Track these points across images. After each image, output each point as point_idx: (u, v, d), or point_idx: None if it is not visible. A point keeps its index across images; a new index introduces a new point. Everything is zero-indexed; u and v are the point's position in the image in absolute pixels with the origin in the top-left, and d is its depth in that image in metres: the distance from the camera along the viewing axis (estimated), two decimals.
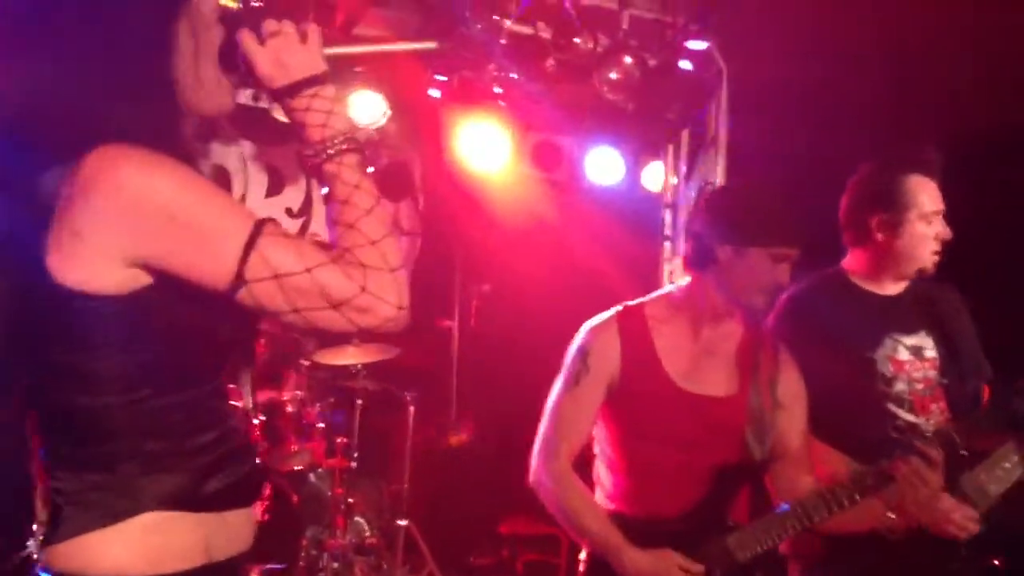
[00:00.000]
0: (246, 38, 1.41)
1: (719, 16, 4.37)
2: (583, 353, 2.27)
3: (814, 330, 2.43)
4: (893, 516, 2.16)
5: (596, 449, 2.39)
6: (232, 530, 1.45)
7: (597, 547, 2.20)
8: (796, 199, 2.63)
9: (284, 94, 1.41)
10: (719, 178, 4.76)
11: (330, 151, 1.39)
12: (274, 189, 5.93)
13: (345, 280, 1.31)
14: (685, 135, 5.04)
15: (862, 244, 2.55)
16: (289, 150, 5.93)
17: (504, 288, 5.93)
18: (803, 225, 2.21)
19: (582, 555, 2.33)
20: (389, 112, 4.86)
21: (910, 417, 2.41)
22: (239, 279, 1.28)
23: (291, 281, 1.29)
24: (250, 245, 1.28)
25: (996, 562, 4.64)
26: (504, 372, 5.48)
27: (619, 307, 2.34)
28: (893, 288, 2.54)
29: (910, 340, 2.46)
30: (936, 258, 2.48)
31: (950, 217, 2.49)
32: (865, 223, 2.51)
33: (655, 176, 5.26)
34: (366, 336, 1.31)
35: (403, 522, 5.02)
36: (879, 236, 2.49)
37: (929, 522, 2.19)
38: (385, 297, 1.32)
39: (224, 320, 1.37)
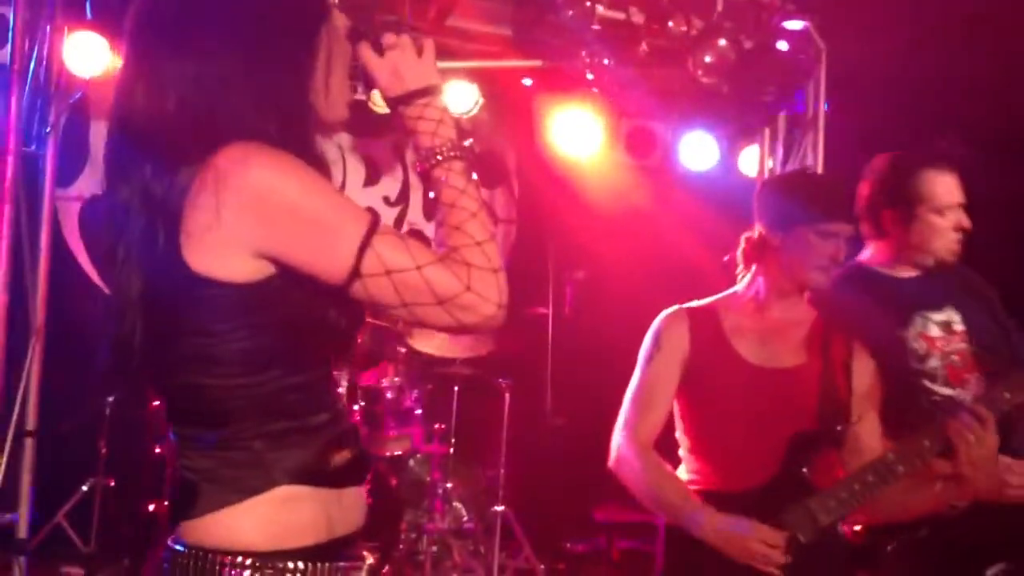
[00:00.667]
0: (366, 51, 1.52)
1: None
2: (656, 337, 2.38)
3: (842, 319, 2.46)
4: (954, 494, 2.15)
5: (678, 436, 2.43)
6: (348, 508, 1.51)
7: (674, 514, 2.24)
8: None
9: (399, 103, 1.52)
10: (818, 160, 4.65)
11: (439, 157, 1.48)
12: (372, 179, 6.05)
13: (452, 278, 1.38)
14: (782, 118, 4.94)
15: (879, 237, 2.63)
16: (386, 141, 6.04)
17: (598, 275, 5.92)
18: (846, 201, 2.35)
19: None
20: (482, 101, 4.91)
21: (946, 390, 2.46)
22: (355, 274, 1.36)
23: (402, 277, 1.37)
24: (366, 242, 1.36)
25: None
26: (598, 359, 5.47)
27: (691, 303, 2.45)
28: (909, 273, 2.60)
29: (938, 316, 2.53)
30: (955, 248, 2.54)
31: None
32: (878, 217, 2.60)
33: (751, 160, 5.17)
34: (466, 332, 1.35)
35: (500, 508, 5.07)
36: (893, 230, 2.58)
37: (989, 488, 2.14)
38: (488, 296, 1.39)
39: (338, 311, 1.44)
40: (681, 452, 2.43)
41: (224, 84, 1.39)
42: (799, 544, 2.13)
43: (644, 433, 2.32)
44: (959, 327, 2.52)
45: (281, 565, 1.41)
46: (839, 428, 2.25)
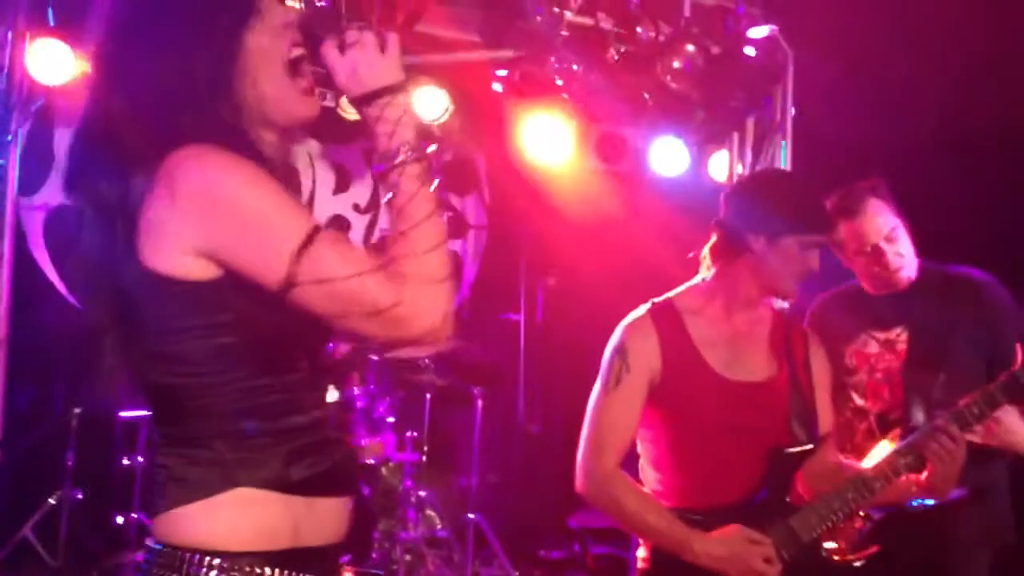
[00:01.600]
0: (328, 49, 1.47)
1: (782, 0, 4.30)
2: (622, 352, 2.25)
3: (820, 331, 2.62)
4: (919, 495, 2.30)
5: (640, 450, 2.35)
6: (322, 518, 1.49)
7: (662, 542, 2.19)
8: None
9: (360, 102, 1.47)
10: (787, 166, 4.68)
11: (394, 160, 1.43)
12: (341, 186, 6.02)
13: (383, 290, 1.34)
14: (750, 123, 4.97)
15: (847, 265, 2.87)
16: (355, 147, 6.01)
17: (570, 281, 5.92)
18: (828, 211, 2.38)
19: (640, 552, 2.30)
20: (452, 107, 4.89)
21: (860, 402, 2.71)
22: (290, 281, 1.33)
23: (334, 286, 1.33)
24: (303, 248, 1.32)
25: None
26: (571, 365, 5.47)
27: (649, 303, 2.34)
28: (888, 291, 2.77)
29: (883, 335, 2.74)
30: (887, 278, 2.71)
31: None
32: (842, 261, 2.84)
33: (721, 166, 5.19)
34: (403, 345, 1.31)
35: (473, 515, 5.05)
36: (847, 264, 2.82)
37: (949, 491, 2.30)
38: (422, 309, 1.35)
39: (291, 315, 1.40)
40: (643, 463, 2.35)
41: (159, 80, 1.39)
42: (784, 561, 2.14)
43: (611, 457, 2.22)
44: (901, 346, 2.71)
45: (248, 568, 1.40)
46: (808, 446, 2.25)
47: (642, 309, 2.33)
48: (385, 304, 1.34)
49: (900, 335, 2.72)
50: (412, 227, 1.39)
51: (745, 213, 2.27)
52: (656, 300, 2.35)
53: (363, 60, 1.45)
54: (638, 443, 2.34)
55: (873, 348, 2.74)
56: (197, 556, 1.39)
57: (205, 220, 1.33)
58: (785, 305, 2.78)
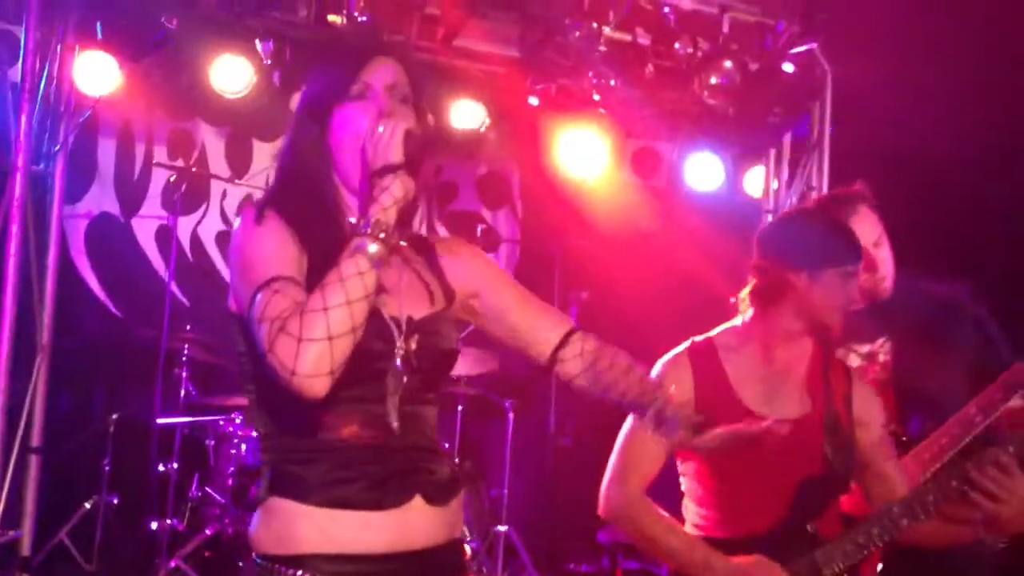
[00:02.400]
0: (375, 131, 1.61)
1: (823, 17, 4.28)
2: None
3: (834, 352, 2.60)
4: (986, 533, 2.15)
5: (683, 486, 2.38)
6: (358, 528, 1.55)
7: (685, 564, 2.19)
8: (901, 203, 2.69)
9: (376, 174, 1.57)
10: (823, 183, 4.66)
11: (368, 230, 1.50)
12: None
13: (265, 338, 1.45)
14: (787, 139, 4.95)
15: None
16: None
17: (603, 296, 5.91)
18: (859, 241, 2.35)
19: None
20: (488, 120, 4.92)
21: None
22: (243, 317, 1.55)
23: (252, 326, 1.50)
24: (256, 292, 1.50)
25: None
26: None
27: (688, 342, 2.37)
28: (868, 302, 2.67)
29: (864, 348, 2.66)
30: (876, 285, 2.63)
31: None
32: None
33: (756, 181, 5.18)
34: (298, 393, 1.39)
35: (503, 528, 5.05)
36: None
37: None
38: (284, 362, 1.43)
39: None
40: (686, 502, 2.37)
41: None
42: None
43: (635, 483, 2.25)
44: (883, 358, 2.64)
45: (281, 569, 1.54)
46: (835, 475, 2.23)
47: (681, 347, 2.37)
48: (262, 351, 1.46)
49: (883, 346, 2.65)
50: (319, 288, 1.46)
51: (783, 252, 2.29)
52: (696, 339, 2.38)
53: (379, 141, 1.57)
54: (681, 479, 2.37)
55: (855, 362, 2.66)
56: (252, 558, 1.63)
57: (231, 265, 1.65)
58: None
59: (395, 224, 1.52)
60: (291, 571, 1.54)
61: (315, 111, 1.68)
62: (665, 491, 2.38)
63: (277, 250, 1.56)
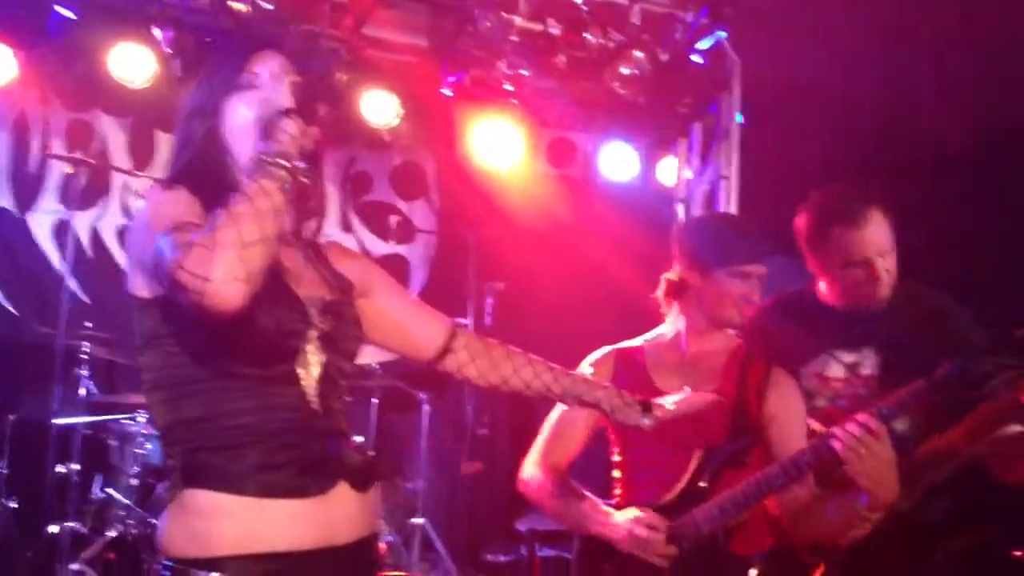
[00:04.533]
0: None
1: (732, 8, 4.33)
2: None
3: (759, 344, 2.53)
4: (871, 515, 2.11)
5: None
6: (284, 521, 1.51)
7: (575, 521, 2.34)
8: (809, 193, 2.67)
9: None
10: (732, 172, 4.73)
11: (267, 158, 1.47)
12: None
13: (171, 260, 1.39)
14: (698, 129, 5.01)
15: (816, 275, 2.67)
16: None
17: (519, 285, 5.91)
18: (759, 244, 2.40)
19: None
20: (402, 111, 4.86)
21: (815, 426, 2.45)
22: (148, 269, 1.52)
23: (161, 260, 1.44)
24: (164, 235, 1.45)
25: (1019, 554, 4.63)
26: None
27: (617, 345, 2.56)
28: (860, 307, 2.58)
29: (848, 357, 2.55)
30: (877, 294, 2.50)
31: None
32: (807, 258, 2.66)
33: (669, 171, 5.23)
34: (196, 306, 1.37)
35: (419, 520, 5.02)
36: (819, 275, 2.65)
37: (889, 497, 2.08)
38: (196, 271, 1.36)
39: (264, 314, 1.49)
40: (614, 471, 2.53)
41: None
42: (682, 548, 2.21)
43: (554, 457, 2.44)
44: (867, 371, 2.53)
45: (195, 572, 1.47)
46: (740, 448, 2.32)
47: (612, 346, 2.55)
48: (172, 271, 1.38)
49: (868, 358, 2.53)
50: (235, 203, 1.42)
51: (685, 253, 2.47)
52: (626, 343, 2.56)
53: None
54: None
55: (836, 371, 2.54)
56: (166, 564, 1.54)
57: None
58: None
59: (297, 162, 1.49)
60: (204, 574, 1.48)
61: (206, 104, 1.66)
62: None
63: (187, 208, 1.52)
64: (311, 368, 1.58)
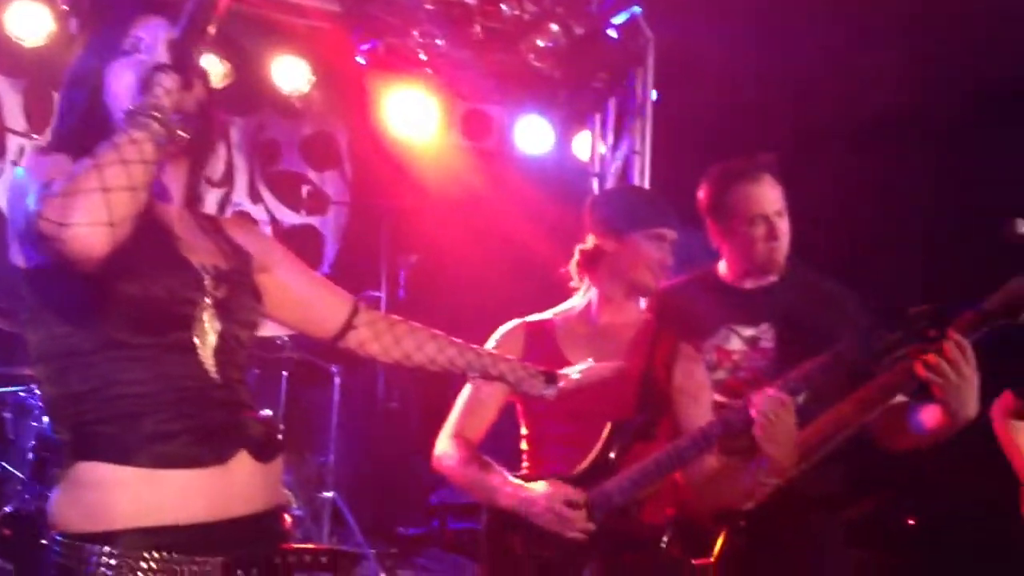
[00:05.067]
0: None
1: None
2: (492, 347, 2.47)
3: (663, 320, 2.60)
4: (768, 480, 2.19)
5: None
6: (180, 493, 1.47)
7: (483, 490, 2.33)
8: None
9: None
10: (646, 147, 4.77)
11: (140, 110, 1.42)
12: None
13: (33, 208, 1.35)
14: (612, 104, 5.03)
15: (718, 247, 2.75)
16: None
17: (433, 258, 5.88)
18: (670, 209, 2.48)
19: None
20: (313, 79, 4.77)
21: (720, 399, 2.55)
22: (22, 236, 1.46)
23: (30, 212, 1.37)
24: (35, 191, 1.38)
25: (911, 521, 4.84)
26: None
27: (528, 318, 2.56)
28: (754, 283, 2.67)
29: (748, 331, 2.62)
30: (773, 257, 2.59)
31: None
32: (707, 227, 2.73)
33: (585, 145, 5.24)
34: (62, 256, 1.36)
35: (329, 494, 4.99)
36: (719, 240, 2.71)
37: (787, 464, 2.18)
38: (55, 218, 1.32)
39: (120, 280, 1.45)
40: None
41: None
42: (595, 520, 2.22)
43: (466, 431, 2.43)
44: (767, 344, 2.60)
45: (88, 547, 1.42)
46: (649, 420, 2.35)
47: (520, 319, 2.55)
48: (33, 220, 1.34)
49: (766, 332, 2.60)
50: (101, 150, 1.37)
51: (599, 221, 2.49)
52: (536, 316, 2.56)
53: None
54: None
55: (736, 344, 2.60)
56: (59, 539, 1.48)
57: None
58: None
59: (173, 116, 1.44)
60: (99, 549, 1.43)
61: (89, 70, 1.61)
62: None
63: (63, 173, 1.45)
64: (207, 337, 1.55)
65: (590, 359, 2.14)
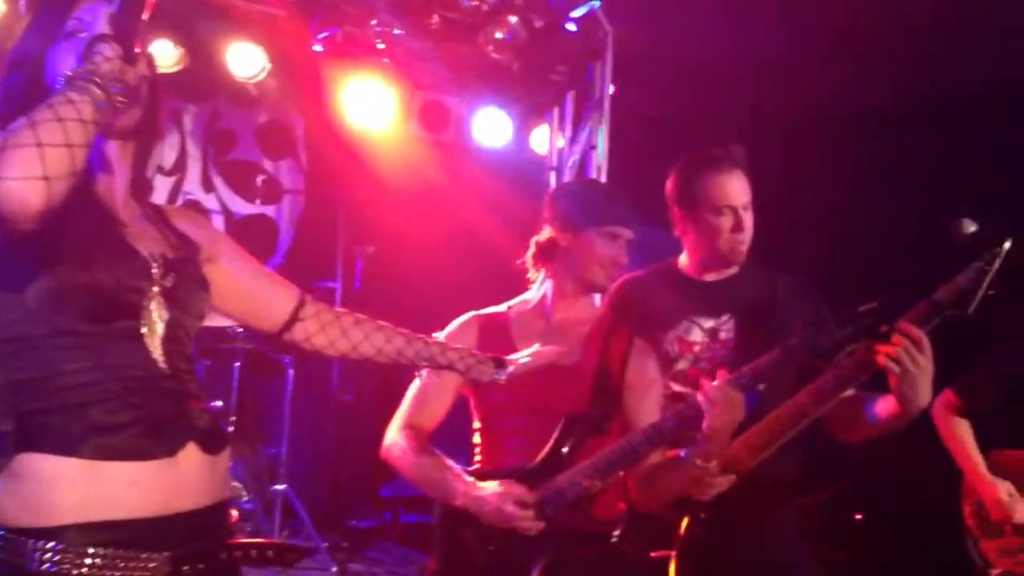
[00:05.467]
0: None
1: None
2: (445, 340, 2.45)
3: (624, 313, 2.62)
4: (705, 464, 2.19)
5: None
6: (126, 487, 1.44)
7: (436, 488, 2.31)
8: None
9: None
10: (604, 141, 4.78)
11: (78, 75, 1.40)
12: None
13: None
14: (571, 98, 5.03)
15: (681, 237, 2.75)
16: (161, 104, 5.68)
17: (389, 250, 5.86)
18: (628, 208, 2.47)
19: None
20: (269, 66, 4.71)
21: (679, 388, 2.58)
22: None
23: None
24: None
25: (858, 516, 4.92)
26: None
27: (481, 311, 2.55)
28: (715, 276, 2.69)
29: (708, 323, 2.63)
30: (738, 248, 2.61)
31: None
32: (674, 217, 2.73)
33: (543, 139, 5.24)
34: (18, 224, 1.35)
35: (281, 487, 4.94)
36: (684, 230, 2.70)
37: (720, 453, 2.21)
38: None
39: (67, 267, 1.41)
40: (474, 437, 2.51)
41: None
42: (548, 517, 2.21)
43: (418, 423, 2.40)
44: (727, 335, 2.61)
45: (30, 542, 1.38)
46: (602, 415, 2.35)
47: (475, 312, 2.53)
48: None
49: (726, 323, 2.62)
50: (37, 111, 1.34)
51: (555, 217, 2.49)
52: (490, 309, 2.55)
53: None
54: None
55: (697, 336, 2.62)
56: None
57: None
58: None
59: (115, 85, 1.41)
60: (41, 544, 1.39)
61: (30, 53, 1.57)
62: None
63: None
64: (155, 326, 1.52)
65: (537, 344, 2.14)
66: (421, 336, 2.00)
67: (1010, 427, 3.12)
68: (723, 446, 2.19)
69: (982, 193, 3.46)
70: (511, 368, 2.06)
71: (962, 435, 3.16)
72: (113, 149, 1.60)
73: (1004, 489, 3.03)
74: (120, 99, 1.42)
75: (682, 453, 2.23)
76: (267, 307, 1.85)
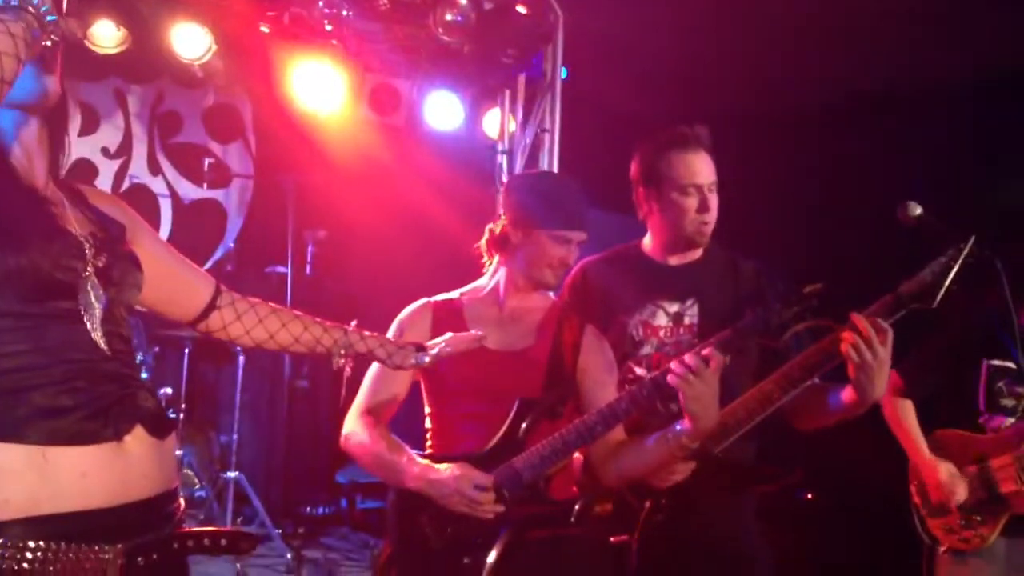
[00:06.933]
0: None
1: None
2: (399, 327, 2.48)
3: (587, 296, 2.64)
4: (690, 443, 2.21)
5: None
6: (74, 476, 1.41)
7: (391, 471, 2.31)
8: (628, 150, 2.72)
9: None
10: (555, 124, 4.77)
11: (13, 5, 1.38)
12: (88, 127, 5.57)
13: None
14: (522, 81, 5.01)
15: (645, 219, 2.73)
16: (105, 85, 5.57)
17: (340, 234, 5.81)
18: (583, 210, 2.44)
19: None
20: (215, 47, 4.62)
21: (641, 372, 2.59)
22: None
23: None
24: None
25: (809, 496, 5.00)
26: (341, 319, 5.36)
27: (435, 297, 2.55)
28: (679, 259, 2.69)
29: (673, 307, 2.64)
30: (702, 229, 2.60)
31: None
32: (637, 195, 2.71)
33: (495, 122, 5.21)
34: None
35: (233, 474, 4.89)
36: (648, 209, 2.69)
37: (709, 426, 2.21)
38: None
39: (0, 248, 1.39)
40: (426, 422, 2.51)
41: None
42: (506, 499, 2.23)
43: (375, 410, 2.41)
44: (691, 320, 2.61)
45: None
46: (556, 399, 2.36)
47: (429, 298, 2.53)
48: None
49: (690, 308, 2.63)
50: None
51: (509, 208, 2.48)
52: (444, 295, 2.54)
53: None
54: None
55: (662, 320, 2.62)
56: None
57: None
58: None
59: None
60: None
61: None
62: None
63: None
64: (92, 308, 1.50)
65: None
66: (339, 325, 2.00)
67: (952, 406, 3.17)
68: (712, 421, 2.18)
69: (936, 183, 3.52)
70: (433, 352, 2.06)
71: (904, 416, 3.20)
72: (31, 132, 1.56)
73: (945, 469, 3.07)
74: (55, 30, 1.40)
75: (668, 432, 2.21)
76: (185, 293, 1.83)
